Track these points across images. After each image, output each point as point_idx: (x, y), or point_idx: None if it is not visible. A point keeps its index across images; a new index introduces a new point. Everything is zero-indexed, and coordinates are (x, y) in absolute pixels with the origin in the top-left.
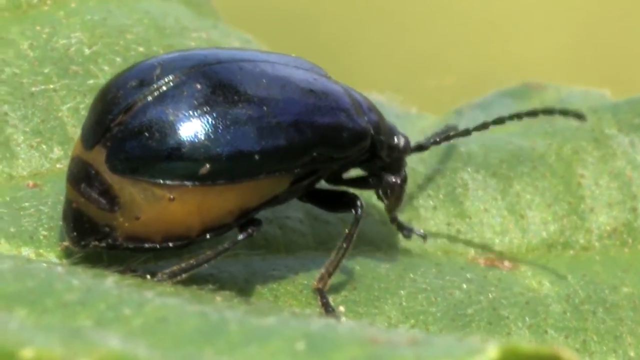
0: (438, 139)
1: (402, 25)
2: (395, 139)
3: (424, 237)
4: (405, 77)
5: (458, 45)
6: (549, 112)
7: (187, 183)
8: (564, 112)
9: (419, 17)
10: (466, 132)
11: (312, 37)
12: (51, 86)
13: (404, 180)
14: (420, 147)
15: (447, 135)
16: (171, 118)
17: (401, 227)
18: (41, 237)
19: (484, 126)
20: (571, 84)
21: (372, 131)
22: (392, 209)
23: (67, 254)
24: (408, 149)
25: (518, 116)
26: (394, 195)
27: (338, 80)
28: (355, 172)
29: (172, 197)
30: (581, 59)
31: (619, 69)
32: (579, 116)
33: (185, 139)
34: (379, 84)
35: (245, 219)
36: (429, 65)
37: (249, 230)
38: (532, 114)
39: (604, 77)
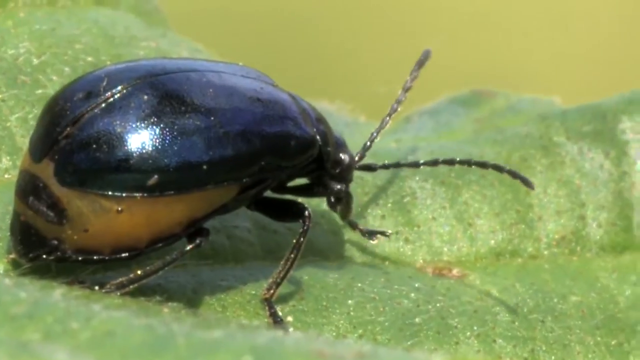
0: (387, 164)
1: (353, 32)
2: (342, 155)
3: (387, 235)
4: (355, 84)
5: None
6: (498, 169)
7: (136, 194)
8: (513, 174)
9: (373, 23)
10: (415, 165)
11: (263, 44)
12: (0, 96)
13: (347, 189)
14: (368, 167)
15: (396, 163)
16: (118, 130)
17: (362, 231)
18: None
19: (434, 163)
20: (521, 91)
21: (320, 141)
22: (344, 215)
23: (15, 264)
24: (353, 166)
25: (468, 163)
26: (343, 202)
27: (288, 89)
28: (301, 180)
29: (120, 209)
30: (534, 64)
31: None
32: (527, 183)
33: (132, 151)
34: (329, 92)
35: (194, 229)
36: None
37: (197, 241)
38: (483, 165)
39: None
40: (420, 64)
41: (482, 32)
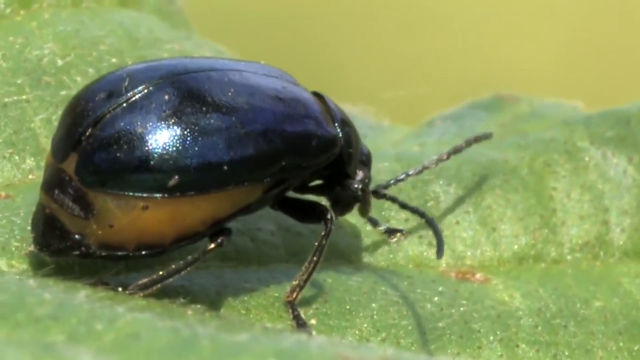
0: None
1: (376, 36)
2: (359, 171)
3: (403, 233)
4: (377, 88)
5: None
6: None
7: (157, 195)
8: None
9: (394, 28)
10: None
11: (286, 48)
12: (24, 97)
13: (366, 184)
14: (376, 193)
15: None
16: (140, 130)
17: (382, 228)
18: (13, 249)
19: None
20: (545, 96)
21: (342, 141)
22: (364, 212)
23: (39, 265)
24: (366, 183)
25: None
26: (363, 200)
27: (314, 90)
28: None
29: (145, 205)
30: (558, 70)
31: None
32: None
33: (153, 152)
34: (352, 95)
35: (218, 228)
36: (401, 76)
37: (219, 240)
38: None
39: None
40: (469, 143)
41: (502, 35)
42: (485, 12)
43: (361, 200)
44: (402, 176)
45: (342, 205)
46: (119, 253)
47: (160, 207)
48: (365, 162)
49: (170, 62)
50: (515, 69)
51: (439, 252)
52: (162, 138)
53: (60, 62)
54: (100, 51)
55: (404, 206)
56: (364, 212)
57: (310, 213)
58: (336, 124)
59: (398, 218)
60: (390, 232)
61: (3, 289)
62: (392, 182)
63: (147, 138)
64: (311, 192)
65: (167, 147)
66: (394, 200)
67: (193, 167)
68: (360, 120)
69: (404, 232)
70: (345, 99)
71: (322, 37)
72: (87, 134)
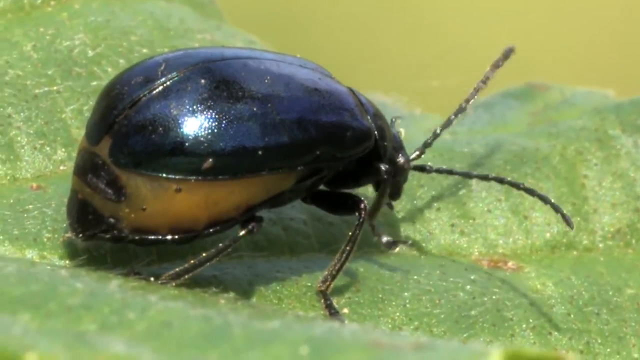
0: (440, 169)
1: (407, 25)
2: (398, 156)
3: (407, 243)
4: (410, 77)
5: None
6: (530, 191)
7: (190, 177)
8: (556, 209)
9: (424, 18)
10: (467, 175)
11: (317, 40)
12: (55, 88)
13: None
14: (422, 169)
15: (450, 170)
16: (175, 113)
17: (380, 238)
18: (45, 240)
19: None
20: (576, 84)
21: (376, 134)
22: (373, 212)
23: (71, 255)
24: (407, 168)
25: (517, 186)
26: (378, 193)
27: (344, 82)
28: None
29: (178, 188)
30: (587, 59)
31: (626, 69)
32: (568, 222)
33: (188, 134)
34: (385, 84)
35: (250, 215)
36: (434, 65)
37: (250, 227)
38: (529, 191)
39: (610, 77)
40: (497, 64)
41: (533, 23)
42: (515, 3)
43: (406, 179)
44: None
45: (392, 191)
46: (152, 237)
47: (194, 191)
48: (401, 145)
49: (207, 50)
50: (546, 57)
51: (569, 223)
52: (197, 121)
53: (90, 53)
54: (131, 42)
55: (450, 172)
56: (377, 205)
57: (344, 204)
58: (369, 117)
59: (430, 207)
60: (391, 244)
61: (35, 280)
62: (423, 147)
63: (182, 120)
64: (355, 185)
65: (202, 130)
66: (441, 171)
67: (227, 150)
68: (392, 110)
69: (409, 243)
70: (377, 88)
71: (356, 27)
72: (123, 116)
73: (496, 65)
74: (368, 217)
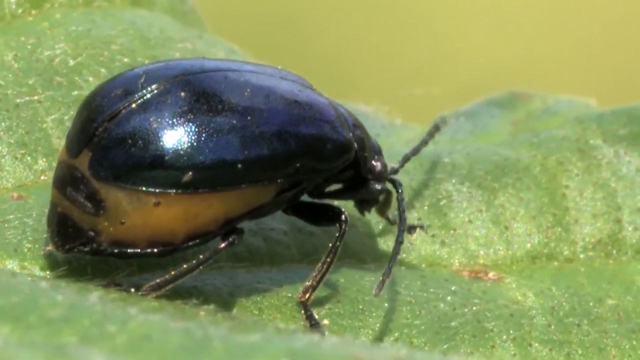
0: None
1: (390, 35)
2: (374, 162)
3: (423, 228)
4: (393, 86)
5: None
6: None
7: (170, 191)
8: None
9: (408, 27)
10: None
11: (300, 48)
12: (36, 97)
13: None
14: (394, 182)
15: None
16: (154, 126)
17: (405, 227)
18: (25, 250)
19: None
20: (558, 93)
21: (356, 146)
22: (383, 210)
23: (51, 266)
24: (384, 175)
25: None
26: (382, 201)
27: (326, 92)
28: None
29: (157, 202)
30: (570, 68)
31: (609, 78)
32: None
33: (167, 147)
34: (366, 93)
35: (230, 227)
36: (417, 74)
37: (231, 239)
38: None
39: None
40: (431, 134)
41: (516, 32)
42: (500, 11)
43: (385, 191)
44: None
45: (369, 201)
46: (131, 250)
47: (173, 204)
48: (379, 153)
49: (187, 62)
50: (529, 66)
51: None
52: (176, 134)
53: (72, 62)
54: (112, 51)
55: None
56: (386, 204)
57: (325, 215)
58: (349, 129)
59: (410, 217)
60: (410, 229)
61: (15, 291)
62: (399, 166)
63: (162, 134)
64: (335, 197)
65: (181, 143)
66: (399, 200)
67: (207, 164)
68: (373, 119)
69: (425, 227)
70: (358, 97)
71: (336, 36)
72: (102, 129)
73: (431, 134)
74: (380, 214)
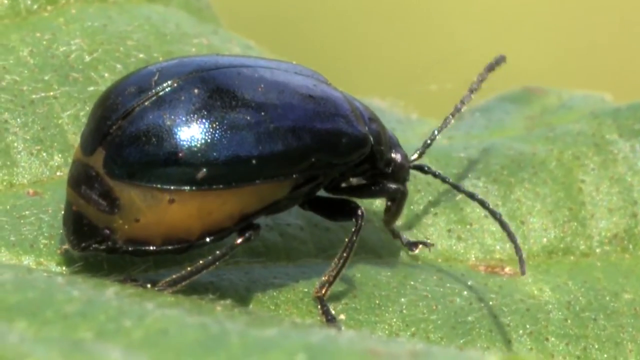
0: (438, 174)
1: (405, 30)
2: (394, 154)
3: (427, 245)
4: (408, 82)
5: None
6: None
7: (184, 188)
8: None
9: (422, 22)
10: (457, 187)
11: (314, 44)
12: (51, 93)
13: (404, 190)
14: (421, 168)
15: (445, 178)
16: (168, 123)
17: (405, 242)
18: (41, 246)
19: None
20: (573, 89)
21: (372, 140)
22: (391, 220)
23: (68, 262)
24: (406, 166)
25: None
26: (396, 204)
27: (341, 87)
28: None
29: (172, 199)
30: (584, 63)
31: (621, 73)
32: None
33: (181, 144)
34: (382, 89)
35: (245, 224)
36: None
37: (247, 235)
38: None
39: (606, 81)
40: (491, 67)
41: (531, 29)
42: (513, 9)
43: (396, 203)
44: (430, 140)
45: (392, 191)
46: (146, 248)
47: (187, 201)
48: (397, 145)
49: (201, 58)
50: (542, 64)
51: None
52: (191, 131)
53: (87, 58)
54: (127, 46)
55: (444, 180)
56: (391, 218)
57: (341, 210)
58: (365, 123)
59: (427, 212)
60: (412, 245)
61: (31, 287)
62: (421, 149)
63: (176, 131)
64: (346, 194)
65: (195, 140)
66: (436, 175)
67: (221, 160)
68: (389, 114)
69: (428, 244)
70: (373, 92)
71: (353, 31)
72: (116, 127)
73: (490, 68)
74: (386, 224)
